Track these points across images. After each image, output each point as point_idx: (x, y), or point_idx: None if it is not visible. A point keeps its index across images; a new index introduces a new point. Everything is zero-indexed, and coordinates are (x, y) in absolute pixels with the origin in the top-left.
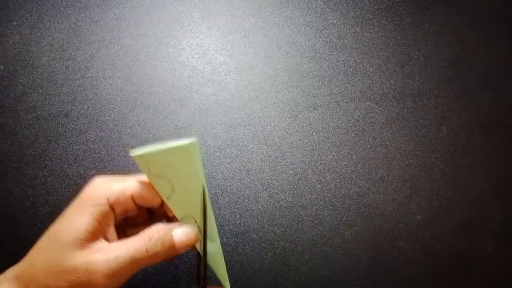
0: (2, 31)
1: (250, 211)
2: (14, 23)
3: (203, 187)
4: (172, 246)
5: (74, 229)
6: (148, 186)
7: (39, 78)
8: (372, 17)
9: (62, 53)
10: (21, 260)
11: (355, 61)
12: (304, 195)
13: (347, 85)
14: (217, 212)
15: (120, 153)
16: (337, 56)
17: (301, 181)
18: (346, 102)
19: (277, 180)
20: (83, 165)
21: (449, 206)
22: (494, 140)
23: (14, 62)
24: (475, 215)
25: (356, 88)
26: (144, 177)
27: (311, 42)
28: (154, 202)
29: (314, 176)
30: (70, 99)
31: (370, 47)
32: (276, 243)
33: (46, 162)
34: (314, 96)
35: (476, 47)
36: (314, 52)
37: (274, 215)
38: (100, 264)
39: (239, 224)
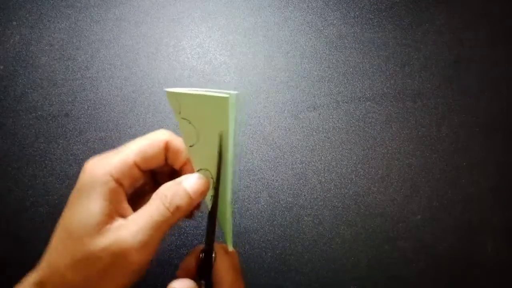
0: (2, 31)
1: (250, 211)
2: (14, 23)
3: (220, 140)
4: (189, 197)
5: (86, 216)
6: (149, 144)
7: (39, 78)
8: (372, 17)
9: (62, 53)
10: (37, 266)
11: (355, 61)
12: (304, 195)
13: (347, 85)
14: None
15: None
16: (337, 56)
17: (301, 181)
18: (346, 102)
19: (277, 180)
20: (83, 165)
21: (449, 206)
22: (494, 140)
23: (14, 62)
24: (475, 215)
25: (356, 88)
26: (137, 141)
27: (311, 42)
28: (159, 160)
29: (314, 176)
30: (70, 99)
31: (370, 47)
32: (276, 243)
33: (46, 162)
34: (314, 96)
35: (476, 47)
36: (314, 52)
37: (274, 215)
38: (126, 240)
39: (239, 224)
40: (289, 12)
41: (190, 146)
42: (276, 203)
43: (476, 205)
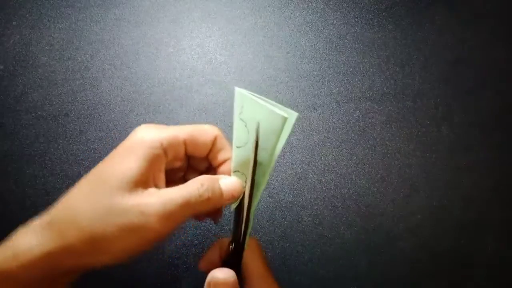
0: (2, 31)
1: None
2: (14, 23)
3: (254, 152)
4: (220, 195)
5: (124, 171)
6: (201, 131)
7: (39, 78)
8: (372, 17)
9: (62, 53)
10: (50, 208)
11: (355, 61)
12: (304, 195)
13: (347, 85)
14: None
15: None
16: (337, 56)
17: (301, 181)
18: (346, 102)
19: (277, 180)
20: (83, 165)
21: (449, 206)
22: (494, 140)
23: (14, 62)
24: (475, 215)
25: (356, 88)
26: (189, 126)
27: (311, 42)
28: (204, 150)
29: (314, 176)
30: (70, 99)
31: (370, 47)
32: (276, 243)
33: (46, 162)
34: (314, 96)
35: (476, 47)
36: (314, 52)
37: (274, 215)
38: (154, 206)
39: None
40: (289, 12)
41: (237, 147)
42: (276, 203)
43: (476, 205)
